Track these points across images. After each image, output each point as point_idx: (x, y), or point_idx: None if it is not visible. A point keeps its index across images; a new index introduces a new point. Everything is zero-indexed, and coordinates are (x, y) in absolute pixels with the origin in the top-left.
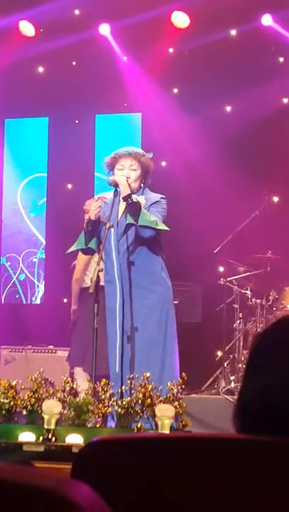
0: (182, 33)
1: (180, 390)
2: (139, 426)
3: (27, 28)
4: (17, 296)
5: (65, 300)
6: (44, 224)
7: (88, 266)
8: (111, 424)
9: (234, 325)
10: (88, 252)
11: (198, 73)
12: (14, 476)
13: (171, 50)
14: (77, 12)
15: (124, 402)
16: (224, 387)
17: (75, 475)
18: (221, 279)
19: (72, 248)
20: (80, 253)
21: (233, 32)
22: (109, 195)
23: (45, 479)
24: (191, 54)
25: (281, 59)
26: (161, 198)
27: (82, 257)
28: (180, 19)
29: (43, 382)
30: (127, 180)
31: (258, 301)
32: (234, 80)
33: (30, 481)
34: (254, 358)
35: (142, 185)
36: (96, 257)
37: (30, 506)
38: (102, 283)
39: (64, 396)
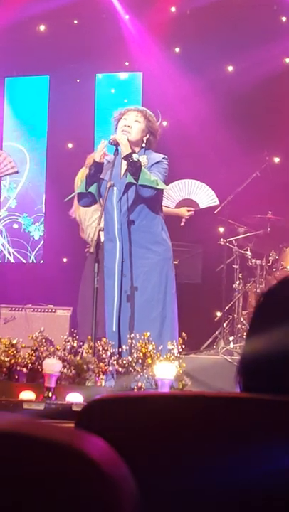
0: None
1: (180, 350)
2: (139, 385)
3: None
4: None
5: (65, 259)
6: (44, 182)
7: (85, 223)
8: (111, 383)
9: (233, 285)
10: (86, 201)
11: (199, 32)
12: (29, 429)
13: (173, 9)
14: None
15: (124, 361)
16: (223, 348)
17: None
18: (221, 239)
19: (72, 194)
20: (75, 208)
21: None
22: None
23: (60, 433)
24: (193, 13)
25: (284, 18)
26: (163, 158)
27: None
28: None
29: (43, 340)
30: (128, 139)
31: (258, 261)
32: (236, 40)
33: (46, 435)
34: (257, 316)
35: (145, 144)
36: (93, 215)
37: (47, 460)
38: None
39: (64, 354)
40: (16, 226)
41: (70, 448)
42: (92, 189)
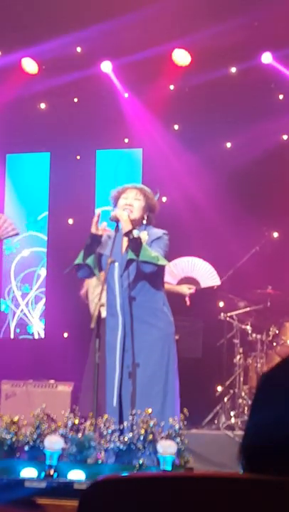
0: (183, 71)
1: (181, 426)
2: (141, 462)
3: (30, 66)
4: (18, 331)
5: (66, 335)
6: (45, 258)
7: (90, 299)
8: (112, 459)
9: (234, 360)
10: (84, 272)
11: (198, 110)
12: None
13: (172, 87)
14: (79, 49)
15: (126, 439)
16: (224, 423)
17: None
18: (222, 314)
19: (71, 266)
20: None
21: (234, 69)
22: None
23: None
24: (192, 91)
25: (281, 96)
26: (164, 233)
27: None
28: (181, 57)
29: (45, 417)
30: (128, 216)
31: (259, 336)
32: (234, 117)
33: None
34: (259, 397)
35: (145, 221)
36: (95, 291)
37: None
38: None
39: (66, 432)
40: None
41: None
42: (90, 261)
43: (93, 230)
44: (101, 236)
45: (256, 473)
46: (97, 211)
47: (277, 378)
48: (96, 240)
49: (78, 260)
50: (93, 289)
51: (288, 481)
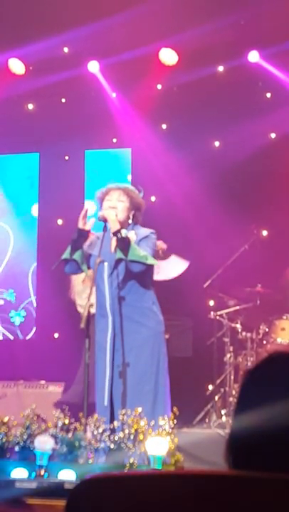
0: (170, 70)
1: (172, 425)
2: (131, 461)
3: (16, 66)
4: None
5: (56, 335)
6: (35, 259)
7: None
8: (103, 459)
9: (225, 359)
10: (71, 267)
11: (186, 109)
12: None
13: (159, 86)
14: (66, 50)
15: (116, 438)
16: (216, 421)
17: None
18: (211, 312)
19: (58, 261)
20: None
21: (221, 68)
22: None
23: None
24: (179, 90)
25: (268, 94)
26: (151, 232)
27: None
28: (168, 56)
29: (35, 418)
30: (116, 216)
31: (248, 334)
32: (222, 116)
33: None
34: (244, 394)
35: (131, 220)
36: (84, 291)
37: None
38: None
39: (56, 432)
40: (1, 302)
41: None
42: (77, 256)
43: (80, 225)
44: (88, 231)
45: (243, 469)
46: (85, 206)
47: (259, 377)
48: (82, 235)
49: (65, 255)
50: (81, 290)
51: (275, 477)
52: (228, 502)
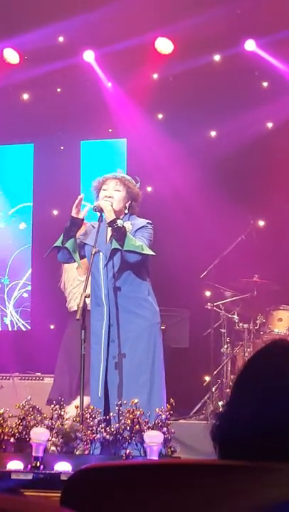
0: (166, 59)
1: (168, 416)
2: (127, 452)
3: (11, 56)
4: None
5: (52, 326)
6: (30, 250)
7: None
8: (99, 450)
9: (221, 349)
10: (63, 255)
11: (182, 99)
12: (3, 504)
13: (155, 75)
14: (61, 39)
15: (112, 429)
16: (212, 412)
17: (64, 502)
18: (208, 303)
19: (50, 249)
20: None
21: (217, 57)
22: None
23: (35, 508)
24: (176, 79)
25: (265, 84)
26: (148, 223)
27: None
28: (164, 45)
29: (30, 409)
30: (112, 205)
31: (245, 325)
32: (218, 105)
33: (21, 510)
34: (241, 384)
35: (128, 210)
36: (76, 280)
37: None
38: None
39: (52, 423)
40: None
41: None
42: (69, 245)
43: (74, 213)
44: (82, 220)
45: (231, 459)
46: (80, 195)
47: (254, 370)
48: (75, 223)
49: (57, 243)
50: (72, 281)
51: (264, 466)
52: (220, 488)
